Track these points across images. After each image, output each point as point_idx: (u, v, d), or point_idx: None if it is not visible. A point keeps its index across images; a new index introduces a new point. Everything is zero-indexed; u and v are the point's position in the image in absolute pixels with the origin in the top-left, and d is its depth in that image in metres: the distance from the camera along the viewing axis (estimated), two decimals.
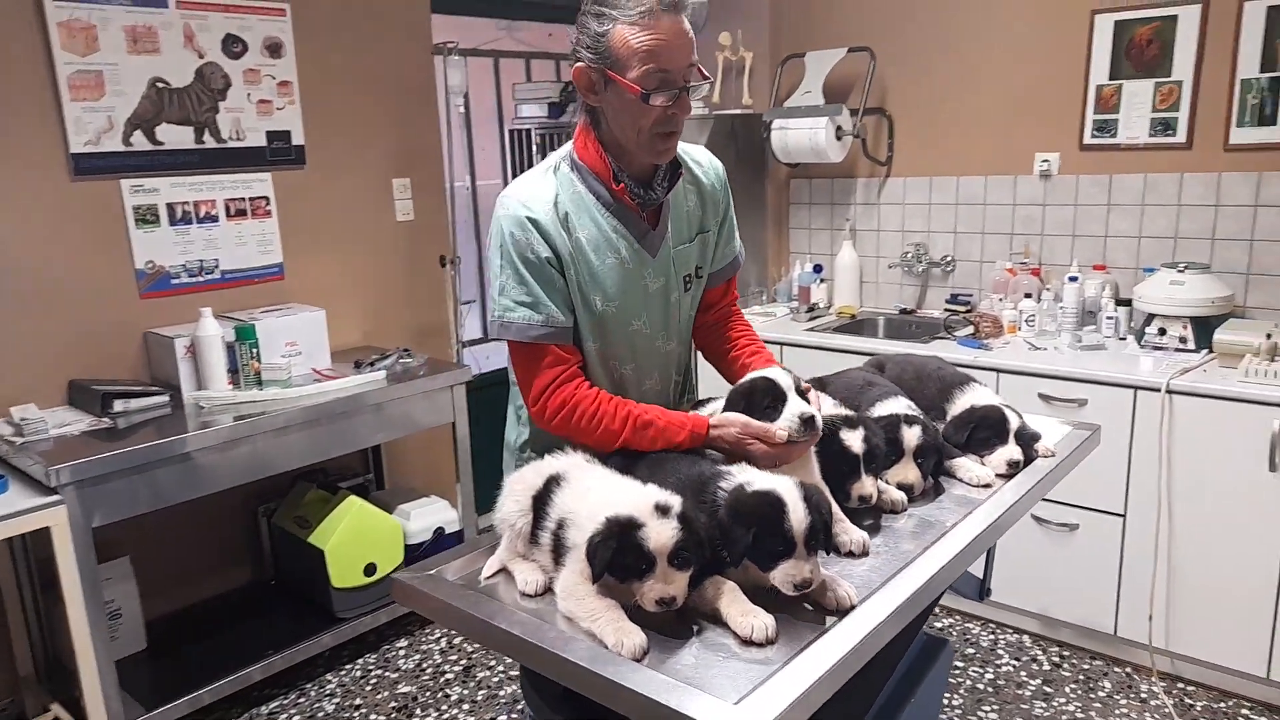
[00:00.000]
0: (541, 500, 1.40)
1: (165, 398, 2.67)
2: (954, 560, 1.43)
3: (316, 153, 3.24)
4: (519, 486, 1.44)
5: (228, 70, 3.00)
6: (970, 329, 3.23)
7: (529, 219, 1.55)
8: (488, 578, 1.43)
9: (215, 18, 2.95)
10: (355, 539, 2.92)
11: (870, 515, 1.58)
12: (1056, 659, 2.91)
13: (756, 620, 1.21)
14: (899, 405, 1.80)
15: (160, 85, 2.85)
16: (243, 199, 3.09)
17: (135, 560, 2.78)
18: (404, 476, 3.59)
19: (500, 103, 4.22)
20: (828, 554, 1.33)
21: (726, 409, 1.57)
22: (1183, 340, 2.87)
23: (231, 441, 2.53)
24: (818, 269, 3.90)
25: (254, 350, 2.80)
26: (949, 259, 3.64)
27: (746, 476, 1.33)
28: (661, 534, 1.21)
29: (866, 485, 1.55)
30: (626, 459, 1.50)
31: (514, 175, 4.05)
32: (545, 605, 1.34)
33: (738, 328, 1.88)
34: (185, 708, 2.55)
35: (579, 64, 1.53)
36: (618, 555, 1.22)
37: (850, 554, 1.42)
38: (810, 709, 1.11)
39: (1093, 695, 2.71)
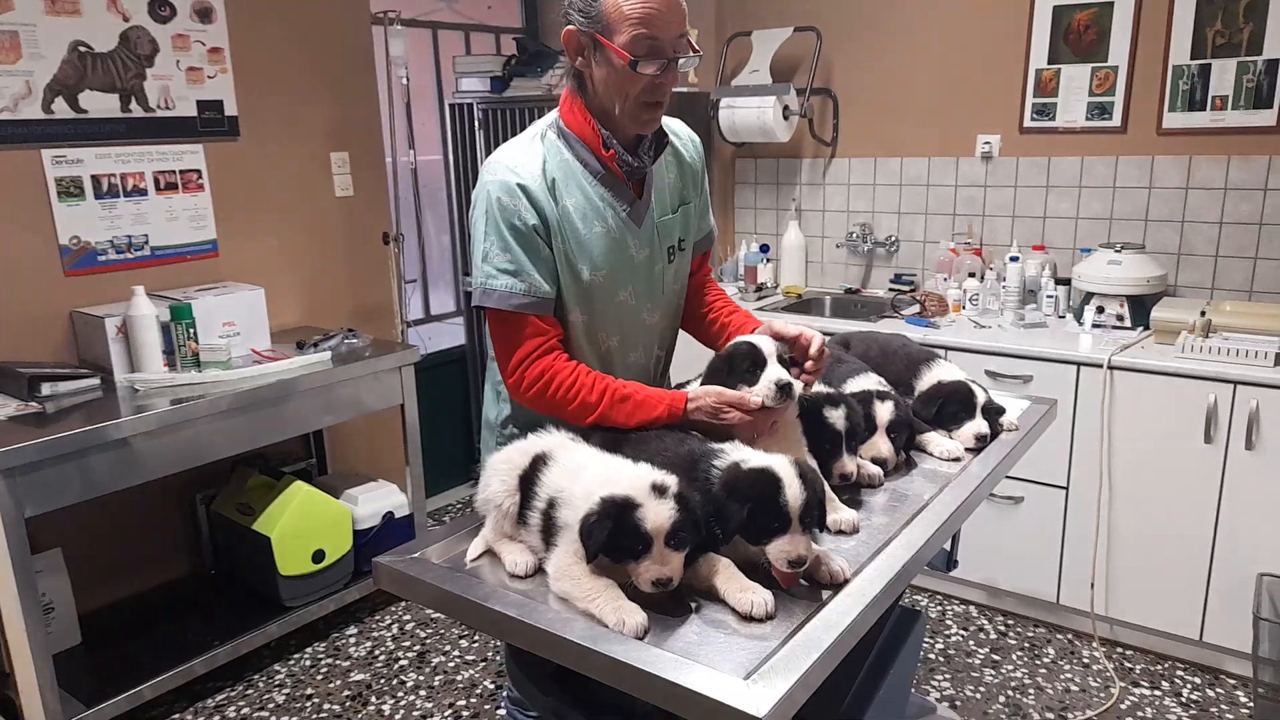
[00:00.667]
0: (528, 480, 1.36)
1: (96, 380, 2.53)
2: (937, 532, 1.45)
3: (251, 124, 3.10)
4: (504, 466, 1.40)
5: (155, 35, 2.84)
6: (917, 307, 3.29)
7: (518, 185, 1.53)
8: (473, 560, 1.39)
9: None
10: (302, 525, 2.83)
11: (846, 490, 1.59)
12: (1002, 628, 3.00)
13: (755, 596, 1.20)
14: (870, 381, 1.82)
15: (82, 49, 2.68)
16: (173, 172, 2.94)
17: (67, 552, 2.64)
18: (348, 460, 3.49)
19: (439, 76, 4.11)
20: (821, 531, 1.33)
21: (707, 377, 1.56)
22: (1120, 318, 2.97)
23: (170, 426, 2.41)
24: (764, 249, 3.91)
25: (191, 330, 2.67)
26: (893, 239, 3.70)
27: (741, 455, 1.32)
28: (659, 514, 1.19)
29: (848, 463, 1.56)
30: (612, 438, 1.48)
31: (456, 151, 3.96)
32: (534, 586, 1.31)
33: (713, 292, 1.90)
34: (126, 704, 2.44)
35: (569, 27, 1.52)
36: (613, 536, 1.19)
37: (841, 532, 1.42)
38: (816, 682, 1.10)
39: (1038, 662, 2.81)
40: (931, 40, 3.47)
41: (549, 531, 1.30)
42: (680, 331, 1.90)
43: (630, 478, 1.24)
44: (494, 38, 4.26)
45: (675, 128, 1.77)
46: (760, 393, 1.48)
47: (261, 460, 3.11)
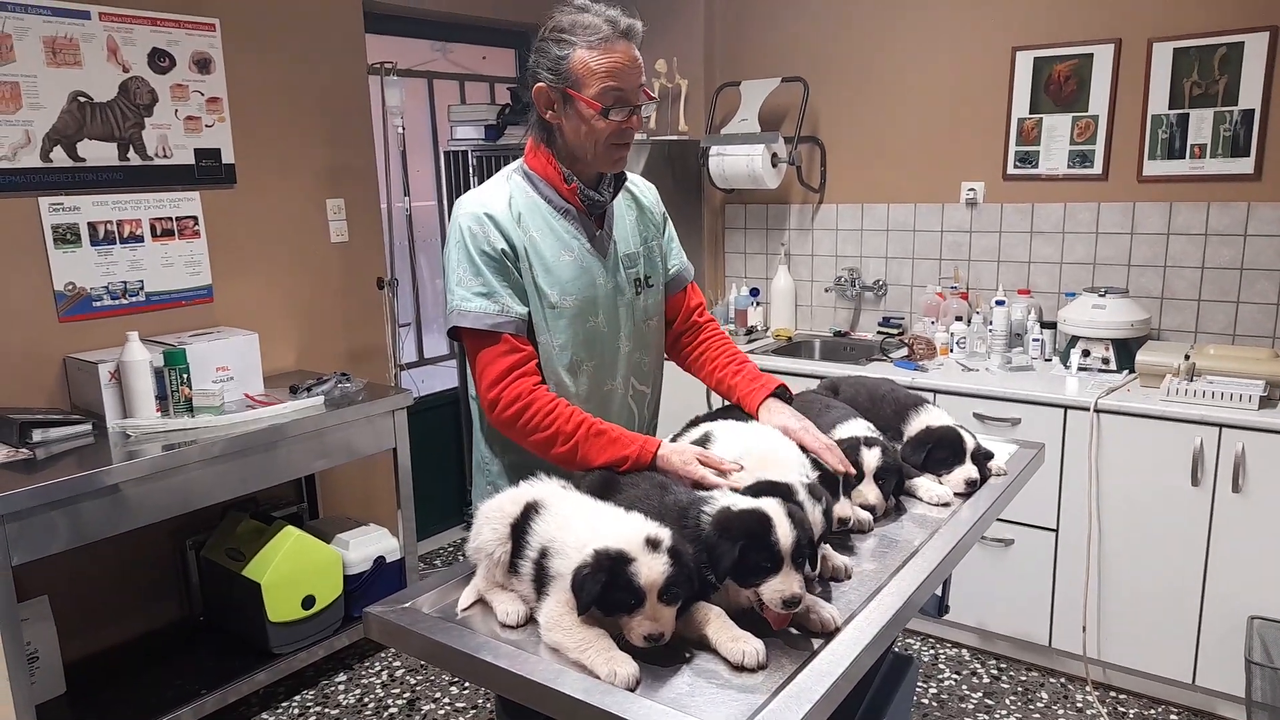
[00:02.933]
0: (520, 528, 1.37)
1: (88, 426, 2.53)
2: (928, 579, 1.45)
3: (247, 172, 3.14)
4: (496, 515, 1.41)
5: (154, 85, 2.89)
6: (905, 351, 3.32)
7: (486, 215, 1.64)
8: (464, 609, 1.39)
9: (141, 31, 2.84)
10: (293, 571, 2.81)
11: (837, 536, 1.60)
12: (995, 671, 2.99)
13: (747, 646, 1.21)
14: (859, 427, 1.83)
15: (82, 99, 2.73)
16: (169, 219, 2.97)
17: (53, 598, 2.62)
18: (340, 504, 3.48)
19: (435, 124, 4.17)
20: (814, 572, 1.34)
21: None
22: (1105, 361, 3.01)
23: (162, 472, 2.41)
24: (754, 292, 3.96)
25: (184, 376, 2.68)
26: (881, 283, 3.75)
27: (730, 499, 1.33)
28: (652, 569, 1.20)
29: (844, 507, 1.58)
30: (601, 485, 1.49)
31: (450, 197, 4.02)
32: (526, 636, 1.31)
33: (708, 339, 1.93)
34: None
35: (539, 84, 1.65)
36: (606, 590, 1.20)
37: (834, 578, 1.43)
38: None
39: (1031, 706, 2.80)
40: (916, 90, 3.55)
41: (541, 581, 1.30)
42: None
43: (624, 531, 1.25)
44: (488, 86, 4.34)
45: (631, 178, 1.89)
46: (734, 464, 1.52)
47: (253, 504, 3.10)
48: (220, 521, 3.03)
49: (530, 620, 1.33)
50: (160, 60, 2.90)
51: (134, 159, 2.86)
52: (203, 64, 3.00)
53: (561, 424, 1.57)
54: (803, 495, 1.41)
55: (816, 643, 1.27)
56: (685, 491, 1.43)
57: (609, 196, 1.75)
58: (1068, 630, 2.89)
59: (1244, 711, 2.60)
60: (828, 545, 1.47)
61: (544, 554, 1.30)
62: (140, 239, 2.90)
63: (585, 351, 1.73)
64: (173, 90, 2.94)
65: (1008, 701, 2.82)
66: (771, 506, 1.29)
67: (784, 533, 1.26)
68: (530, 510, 1.38)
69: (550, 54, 1.62)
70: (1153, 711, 2.76)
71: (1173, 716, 2.74)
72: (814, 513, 1.40)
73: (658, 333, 1.89)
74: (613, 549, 1.20)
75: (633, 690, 1.15)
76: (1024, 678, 2.95)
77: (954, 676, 2.97)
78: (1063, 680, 2.93)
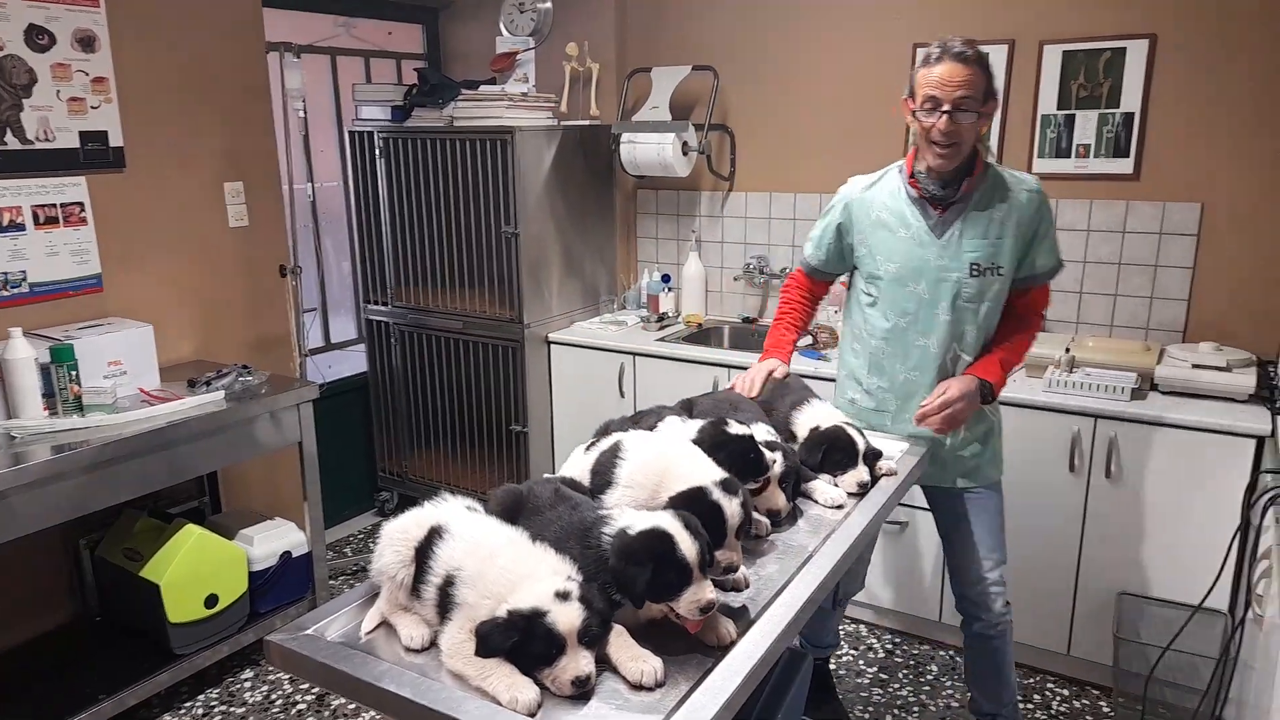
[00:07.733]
0: (423, 552, 1.38)
1: None
2: (822, 584, 1.53)
3: (138, 155, 3.01)
4: (400, 537, 1.42)
5: (32, 65, 2.74)
6: (809, 339, 3.42)
7: (845, 198, 2.32)
8: (368, 633, 1.41)
9: (15, 5, 2.68)
10: (194, 571, 2.75)
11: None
12: (890, 646, 3.15)
13: (646, 665, 1.26)
14: (761, 431, 1.90)
15: None
16: (53, 205, 2.83)
17: None
18: (243, 497, 3.41)
19: (339, 103, 4.06)
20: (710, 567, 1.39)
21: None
22: None
23: (52, 477, 2.32)
24: (665, 279, 4.00)
25: (73, 372, 2.58)
26: (788, 271, 3.83)
27: (627, 520, 1.37)
28: (570, 617, 1.23)
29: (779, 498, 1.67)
30: (510, 506, 1.51)
31: (356, 178, 3.91)
32: (430, 660, 1.34)
33: (1009, 323, 2.27)
34: None
35: (905, 98, 2.16)
36: (526, 644, 1.22)
37: (734, 589, 1.49)
38: None
39: (922, 680, 2.96)
40: (821, 82, 3.61)
41: (445, 607, 1.32)
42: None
43: (534, 589, 1.25)
44: (395, 64, 4.23)
45: (1021, 176, 2.24)
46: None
47: (151, 500, 3.01)
48: (116, 520, 2.94)
49: (434, 644, 1.35)
50: (39, 38, 2.74)
51: (12, 143, 2.71)
52: (86, 42, 2.85)
53: (780, 308, 2.49)
54: (717, 494, 1.47)
55: (711, 660, 1.33)
56: (590, 511, 1.47)
57: (951, 194, 2.14)
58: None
59: (1112, 678, 2.80)
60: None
61: (449, 581, 1.32)
62: (21, 227, 2.76)
63: (901, 307, 2.23)
64: (54, 70, 2.79)
65: (901, 675, 2.98)
66: (668, 522, 1.34)
67: (687, 547, 1.31)
68: (434, 534, 1.39)
69: (911, 75, 2.13)
70: (1032, 680, 2.96)
71: (1050, 684, 2.94)
72: (732, 506, 1.47)
73: (987, 315, 2.22)
74: (525, 608, 1.22)
75: (534, 716, 1.19)
76: (915, 652, 3.12)
77: (852, 652, 3.11)
78: (951, 653, 3.10)
